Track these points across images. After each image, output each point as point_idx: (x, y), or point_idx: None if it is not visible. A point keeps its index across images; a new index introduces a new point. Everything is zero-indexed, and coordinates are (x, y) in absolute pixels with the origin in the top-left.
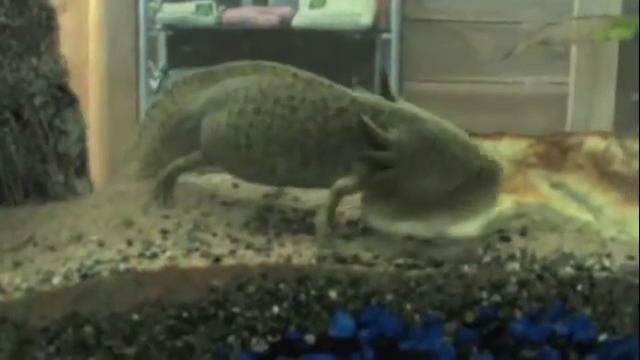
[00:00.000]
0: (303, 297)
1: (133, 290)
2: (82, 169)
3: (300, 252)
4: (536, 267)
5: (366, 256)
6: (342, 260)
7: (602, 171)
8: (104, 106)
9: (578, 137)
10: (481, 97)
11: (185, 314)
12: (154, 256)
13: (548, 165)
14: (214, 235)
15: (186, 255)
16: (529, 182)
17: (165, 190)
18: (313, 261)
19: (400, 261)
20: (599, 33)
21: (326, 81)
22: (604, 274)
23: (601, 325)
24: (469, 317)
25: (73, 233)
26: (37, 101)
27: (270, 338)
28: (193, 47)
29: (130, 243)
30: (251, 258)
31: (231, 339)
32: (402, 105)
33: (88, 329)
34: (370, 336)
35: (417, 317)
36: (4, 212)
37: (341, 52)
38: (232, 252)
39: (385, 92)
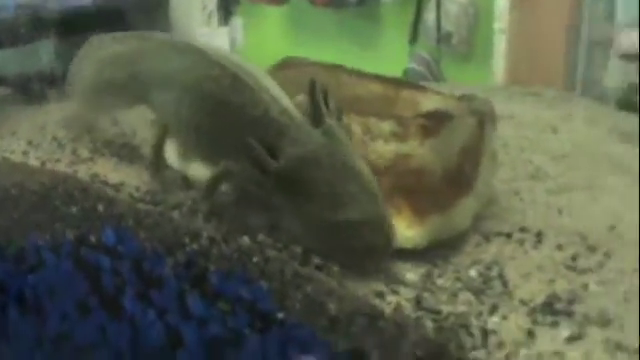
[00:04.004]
0: (86, 205)
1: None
2: None
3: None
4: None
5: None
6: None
7: None
8: None
9: None
10: None
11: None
12: (25, 154)
13: None
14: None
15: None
16: None
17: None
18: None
19: (136, 194)
20: None
21: (250, 78)
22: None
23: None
24: (180, 257)
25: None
26: None
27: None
28: None
29: (30, 143)
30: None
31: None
32: (324, 128)
33: None
34: (125, 253)
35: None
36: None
37: None
38: (58, 161)
39: (315, 108)
